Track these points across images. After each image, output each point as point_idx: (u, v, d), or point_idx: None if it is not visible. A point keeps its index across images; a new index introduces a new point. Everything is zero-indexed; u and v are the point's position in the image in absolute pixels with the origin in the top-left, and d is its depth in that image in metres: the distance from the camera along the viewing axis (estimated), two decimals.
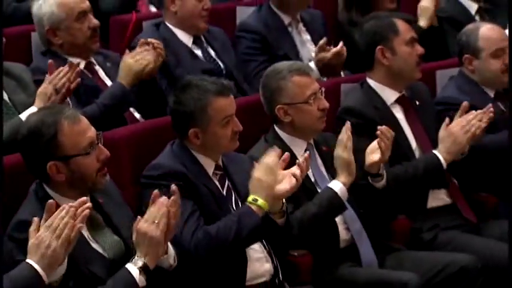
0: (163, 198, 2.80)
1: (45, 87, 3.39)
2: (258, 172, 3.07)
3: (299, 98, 3.46)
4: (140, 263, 2.75)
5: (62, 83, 3.38)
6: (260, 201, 3.06)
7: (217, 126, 3.19)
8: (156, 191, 2.83)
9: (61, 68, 3.42)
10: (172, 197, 2.83)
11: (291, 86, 3.47)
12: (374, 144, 3.42)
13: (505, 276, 3.45)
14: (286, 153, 3.14)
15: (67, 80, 3.39)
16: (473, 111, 3.69)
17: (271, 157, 3.07)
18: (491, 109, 3.71)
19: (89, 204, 2.64)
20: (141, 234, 2.77)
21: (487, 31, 4.03)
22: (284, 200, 3.16)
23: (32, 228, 2.58)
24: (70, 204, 2.61)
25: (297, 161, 3.16)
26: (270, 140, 3.49)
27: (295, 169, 3.12)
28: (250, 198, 3.08)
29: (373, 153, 3.42)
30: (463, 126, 3.66)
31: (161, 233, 2.77)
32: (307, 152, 3.28)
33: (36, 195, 2.86)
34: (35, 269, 2.54)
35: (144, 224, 2.77)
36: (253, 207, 3.07)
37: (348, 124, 3.39)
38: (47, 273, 2.55)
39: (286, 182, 3.09)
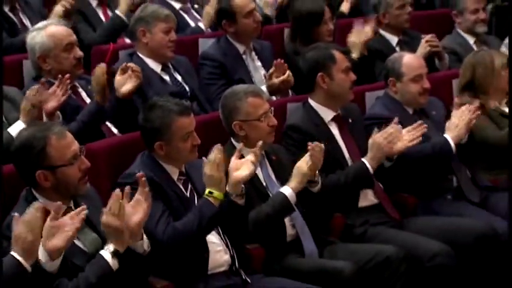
0: (117, 191, 2.77)
1: (25, 104, 3.40)
2: (206, 169, 3.10)
3: (252, 116, 3.48)
4: (111, 248, 2.75)
5: (36, 100, 3.39)
6: (215, 193, 3.10)
7: (179, 140, 3.21)
8: (117, 190, 2.80)
9: (33, 87, 3.42)
10: (140, 189, 2.82)
11: (246, 106, 3.49)
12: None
13: (422, 264, 3.52)
14: (238, 150, 3.22)
15: (39, 96, 3.39)
16: (394, 125, 3.70)
17: (214, 154, 3.10)
18: (424, 124, 3.73)
19: (86, 211, 2.67)
20: (105, 226, 2.77)
21: (408, 59, 4.07)
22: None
23: (13, 223, 2.59)
24: (38, 203, 2.63)
25: (252, 149, 3.21)
26: (227, 150, 3.47)
27: (251, 157, 3.17)
28: (206, 192, 3.12)
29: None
30: (385, 137, 3.67)
31: (121, 222, 2.74)
32: (260, 142, 3.29)
33: (26, 199, 2.86)
34: (16, 259, 2.55)
35: (105, 217, 2.76)
36: (210, 198, 3.10)
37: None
38: (28, 260, 2.56)
39: (246, 168, 3.15)
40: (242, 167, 3.16)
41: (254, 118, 3.48)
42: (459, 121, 3.87)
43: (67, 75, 3.52)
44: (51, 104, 3.47)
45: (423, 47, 4.74)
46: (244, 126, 3.48)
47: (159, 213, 3.10)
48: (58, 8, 4.62)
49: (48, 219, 2.62)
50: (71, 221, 2.64)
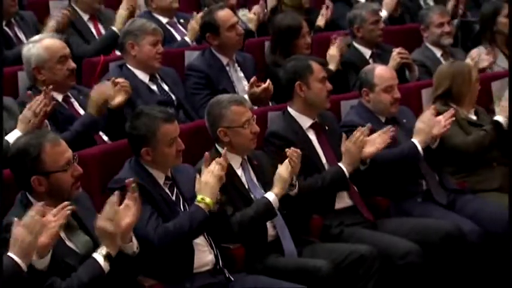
0: (112, 197, 2.78)
1: (25, 113, 3.39)
2: (206, 177, 3.11)
3: (236, 123, 3.48)
4: (104, 252, 2.75)
5: (40, 108, 3.39)
6: (208, 200, 3.10)
7: (164, 146, 3.20)
8: (112, 196, 2.81)
9: (38, 97, 3.42)
10: (130, 195, 2.82)
11: (230, 114, 3.49)
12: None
13: (394, 262, 3.53)
14: (223, 153, 3.21)
15: (43, 105, 3.39)
16: (360, 128, 3.71)
17: (212, 164, 3.11)
18: (370, 126, 3.74)
19: (71, 207, 2.66)
20: (99, 230, 2.77)
21: (380, 71, 4.09)
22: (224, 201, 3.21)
23: (14, 226, 2.58)
24: (39, 204, 2.61)
25: (217, 159, 3.19)
26: (212, 156, 3.47)
27: (218, 170, 3.14)
28: (199, 198, 3.12)
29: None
30: (354, 142, 3.69)
31: (116, 227, 2.75)
32: (224, 150, 3.29)
33: (21, 203, 2.85)
34: (14, 260, 2.53)
35: (101, 221, 2.76)
36: (201, 205, 3.10)
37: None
38: (25, 261, 2.54)
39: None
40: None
41: (238, 125, 3.48)
42: (425, 126, 3.89)
43: (50, 87, 3.51)
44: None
45: (394, 59, 4.77)
46: (229, 132, 3.49)
47: (148, 215, 3.09)
48: (51, 23, 4.60)
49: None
50: (54, 218, 2.63)
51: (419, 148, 3.88)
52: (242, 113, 3.49)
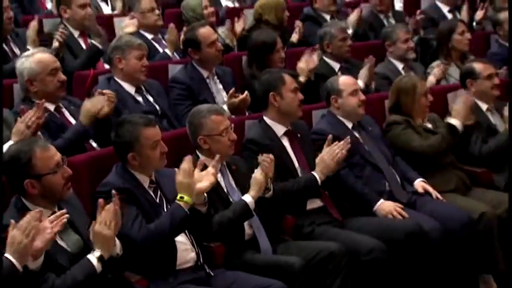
0: (110, 205, 2.78)
1: (18, 126, 3.36)
2: (179, 176, 3.07)
3: (215, 131, 3.47)
4: (98, 254, 2.75)
5: (32, 121, 3.35)
6: (186, 198, 3.06)
7: (148, 149, 3.18)
8: (100, 200, 2.81)
9: (30, 111, 3.39)
10: (114, 201, 2.79)
11: (209, 123, 3.47)
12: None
13: (360, 258, 3.52)
14: (200, 160, 3.17)
15: (36, 118, 3.36)
16: (337, 143, 3.72)
17: (186, 163, 3.07)
18: (348, 140, 3.75)
19: (67, 215, 2.65)
20: (96, 234, 2.76)
21: (344, 79, 4.10)
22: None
23: (10, 229, 2.55)
24: (35, 210, 2.60)
25: (212, 162, 3.17)
26: (194, 161, 3.50)
27: (211, 169, 3.13)
28: (178, 197, 3.08)
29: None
30: (330, 154, 3.70)
31: (111, 231, 2.76)
32: (217, 156, 3.26)
33: (16, 206, 2.82)
34: (10, 260, 2.51)
35: (98, 226, 2.76)
36: (181, 203, 3.06)
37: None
38: (20, 262, 2.52)
39: (206, 180, 3.11)
40: (204, 179, 3.12)
41: (216, 133, 3.47)
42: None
43: (43, 100, 3.49)
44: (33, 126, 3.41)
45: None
46: (208, 140, 3.47)
47: (133, 217, 3.07)
48: (55, 44, 4.60)
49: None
50: (51, 224, 2.61)
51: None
52: (220, 122, 3.48)
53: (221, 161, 3.50)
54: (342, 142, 3.73)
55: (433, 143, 4.07)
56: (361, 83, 4.60)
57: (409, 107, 4.17)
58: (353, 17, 5.70)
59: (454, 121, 4.10)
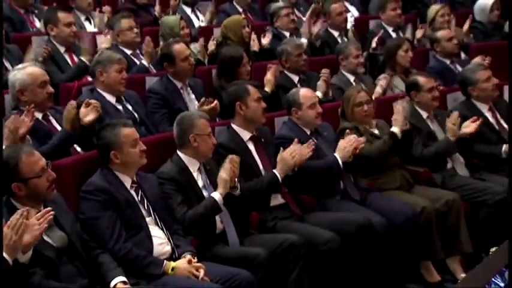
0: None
1: (4, 131, 3.26)
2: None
3: (204, 132, 3.50)
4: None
5: (14, 127, 3.27)
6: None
7: (129, 146, 3.17)
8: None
9: (12, 116, 3.32)
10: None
11: (200, 124, 3.50)
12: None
13: (317, 249, 3.51)
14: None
15: (29, 121, 3.31)
16: (297, 144, 3.71)
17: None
18: (312, 143, 3.77)
19: (52, 212, 2.59)
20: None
21: (304, 92, 4.09)
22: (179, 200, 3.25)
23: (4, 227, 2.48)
24: (23, 209, 2.54)
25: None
26: (174, 161, 3.48)
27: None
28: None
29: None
30: (290, 154, 3.70)
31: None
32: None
33: (6, 205, 2.75)
34: (2, 255, 2.44)
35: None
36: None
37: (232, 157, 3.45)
38: (11, 257, 2.46)
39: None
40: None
41: (205, 133, 3.50)
42: (347, 145, 3.89)
43: (32, 105, 3.43)
44: (22, 130, 3.34)
45: (320, 84, 4.80)
46: (198, 139, 3.48)
47: (112, 221, 3.03)
48: (30, 56, 4.53)
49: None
50: (38, 221, 2.56)
51: (341, 162, 3.89)
52: (207, 125, 3.52)
53: (201, 160, 3.54)
54: (305, 144, 3.73)
55: (376, 149, 4.10)
56: (319, 94, 4.61)
57: (349, 115, 4.20)
58: (304, 29, 5.70)
59: (394, 128, 4.13)
